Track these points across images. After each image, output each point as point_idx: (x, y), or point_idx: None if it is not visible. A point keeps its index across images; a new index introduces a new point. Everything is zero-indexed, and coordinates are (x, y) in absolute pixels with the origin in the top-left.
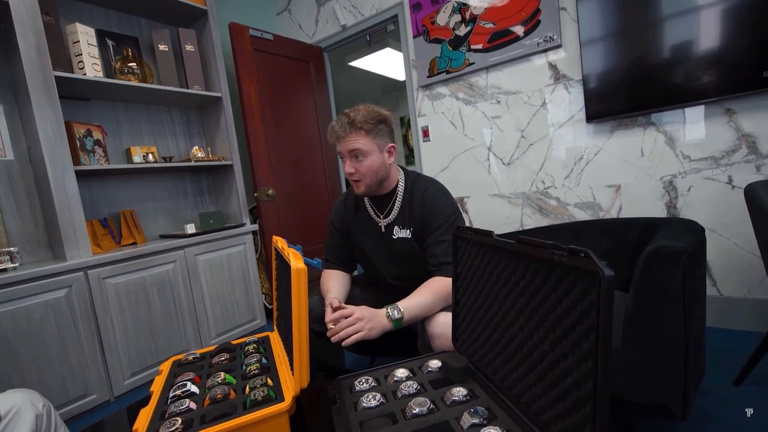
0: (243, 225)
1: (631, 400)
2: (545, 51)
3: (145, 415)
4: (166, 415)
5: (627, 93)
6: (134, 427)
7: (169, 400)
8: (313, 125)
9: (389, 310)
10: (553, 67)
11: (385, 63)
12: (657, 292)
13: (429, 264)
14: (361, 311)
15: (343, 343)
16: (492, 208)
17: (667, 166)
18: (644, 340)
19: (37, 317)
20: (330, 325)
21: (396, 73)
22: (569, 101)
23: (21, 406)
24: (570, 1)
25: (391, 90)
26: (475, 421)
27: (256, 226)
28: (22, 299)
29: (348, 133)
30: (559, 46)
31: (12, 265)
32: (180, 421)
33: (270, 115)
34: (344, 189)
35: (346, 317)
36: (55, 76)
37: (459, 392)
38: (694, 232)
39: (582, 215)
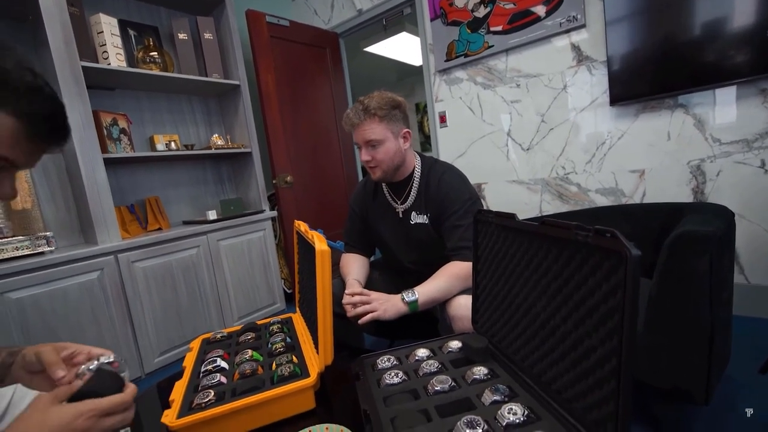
0: (262, 211)
1: (653, 384)
2: (568, 31)
3: (180, 387)
4: (199, 388)
5: (654, 74)
6: (171, 398)
7: (201, 374)
8: (329, 112)
9: (405, 295)
10: (575, 48)
11: (401, 48)
12: (682, 277)
13: (446, 249)
14: (378, 294)
15: (359, 321)
16: (510, 195)
17: (696, 149)
18: (668, 324)
19: (73, 298)
20: (347, 306)
21: (412, 58)
22: (592, 84)
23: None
24: None
25: (406, 75)
26: (497, 398)
27: (275, 213)
28: (59, 281)
29: (362, 120)
30: (582, 26)
31: (49, 248)
32: (212, 393)
33: (287, 103)
34: (360, 176)
35: (361, 300)
36: (82, 66)
37: (480, 371)
38: (724, 216)
39: (603, 201)
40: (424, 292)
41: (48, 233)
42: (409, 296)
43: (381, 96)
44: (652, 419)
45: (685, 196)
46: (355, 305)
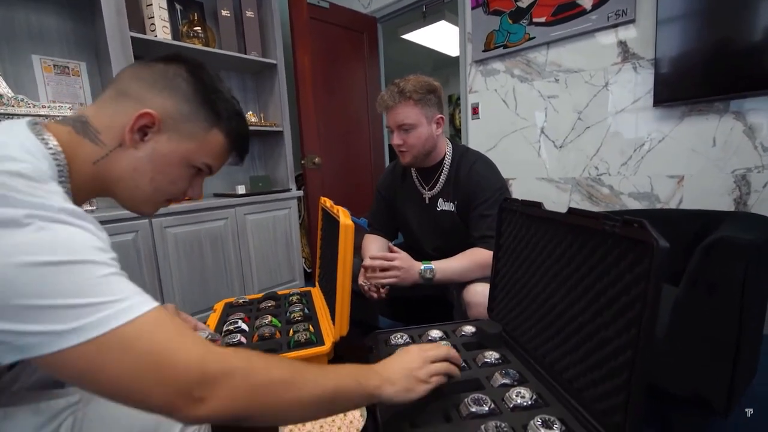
0: (289, 190)
1: (670, 389)
2: (615, 26)
3: None
4: (221, 345)
5: (705, 76)
6: None
7: (223, 334)
8: (362, 97)
9: (423, 268)
10: (622, 44)
11: (439, 37)
12: (714, 282)
13: (472, 237)
14: (402, 260)
15: (380, 283)
16: (538, 192)
17: (743, 158)
18: (693, 330)
19: None
20: (368, 270)
21: (449, 48)
22: (636, 83)
23: None
24: None
25: (442, 66)
26: (506, 381)
27: (301, 192)
28: None
29: (397, 102)
30: (631, 22)
31: (90, 208)
32: None
33: (321, 84)
34: (387, 161)
35: (389, 260)
36: (131, 37)
37: (491, 355)
38: (766, 227)
39: (636, 206)
40: (442, 269)
41: None
42: (426, 272)
43: (417, 79)
44: (667, 425)
45: (726, 206)
46: (374, 273)
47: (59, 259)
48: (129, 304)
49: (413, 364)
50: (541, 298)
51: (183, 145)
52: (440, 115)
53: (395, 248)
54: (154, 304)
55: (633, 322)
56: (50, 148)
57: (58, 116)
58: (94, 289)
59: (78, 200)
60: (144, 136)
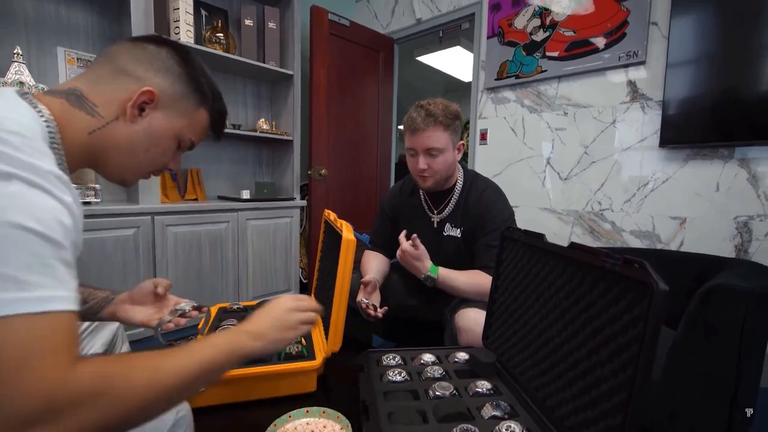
0: (293, 199)
1: None
2: (626, 66)
3: None
4: None
5: (712, 121)
6: None
7: None
8: (372, 114)
9: (425, 275)
10: (631, 84)
11: (453, 61)
12: (712, 328)
13: (475, 266)
14: (422, 254)
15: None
16: (540, 222)
17: (745, 205)
18: (690, 374)
19: (108, 249)
20: (362, 297)
21: (461, 73)
22: (643, 122)
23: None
24: (663, 16)
25: (452, 89)
26: (497, 413)
27: (304, 203)
28: (99, 231)
29: (428, 126)
30: (642, 63)
31: (95, 200)
32: None
33: (334, 98)
34: (393, 179)
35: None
36: None
37: (483, 385)
38: (766, 276)
39: (637, 244)
40: (445, 277)
41: (97, 185)
42: (431, 273)
43: (444, 104)
44: None
45: (726, 252)
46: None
47: (24, 225)
48: (43, 294)
49: (281, 314)
50: (538, 329)
51: (176, 122)
52: (462, 142)
53: (419, 242)
54: (69, 307)
55: (629, 362)
56: (42, 116)
57: None
58: (35, 269)
59: (69, 168)
60: (142, 112)
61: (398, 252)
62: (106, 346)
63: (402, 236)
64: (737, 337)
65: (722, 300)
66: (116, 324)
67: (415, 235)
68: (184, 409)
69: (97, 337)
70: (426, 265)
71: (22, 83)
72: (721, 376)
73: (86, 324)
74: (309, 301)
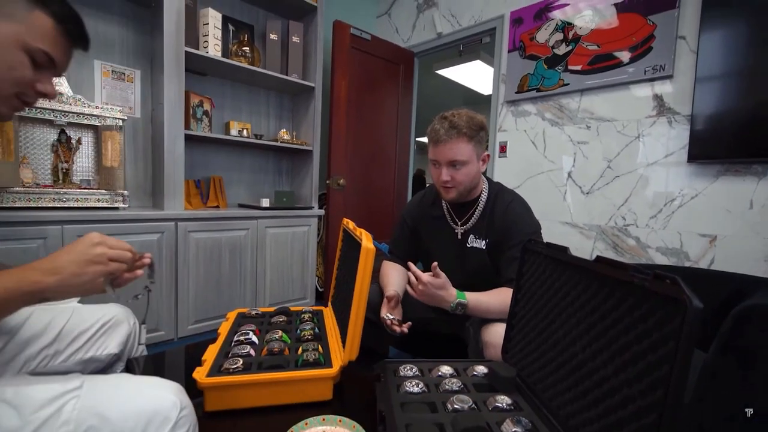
0: (311, 208)
1: None
2: (652, 80)
3: (212, 350)
4: (230, 355)
5: (744, 136)
6: (203, 358)
7: (233, 344)
8: (391, 126)
9: (455, 303)
10: (658, 98)
11: (473, 75)
12: (745, 353)
13: (501, 278)
14: (446, 283)
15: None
16: (561, 236)
17: None
18: (722, 399)
19: None
20: (386, 313)
21: (481, 86)
22: (669, 137)
23: (118, 318)
24: (691, 30)
25: (471, 102)
26: (518, 429)
27: (322, 212)
28: (126, 235)
29: (452, 138)
30: (669, 77)
31: (123, 205)
32: (241, 362)
33: (354, 110)
34: (411, 192)
35: (436, 278)
36: (186, 51)
37: (503, 400)
38: None
39: (664, 261)
40: (476, 301)
41: (125, 192)
42: (458, 309)
43: (469, 115)
44: None
45: (761, 272)
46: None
47: None
48: None
49: (83, 248)
50: (561, 345)
51: (7, 27)
52: (487, 153)
53: (439, 270)
54: None
55: (659, 382)
56: None
57: (109, 117)
58: None
59: None
60: None
61: (413, 287)
62: (122, 346)
63: (414, 268)
64: None
65: (759, 322)
66: (131, 323)
67: (435, 264)
68: (184, 410)
69: (112, 337)
70: (452, 293)
71: (61, 94)
72: (758, 402)
73: (100, 324)
74: (121, 242)
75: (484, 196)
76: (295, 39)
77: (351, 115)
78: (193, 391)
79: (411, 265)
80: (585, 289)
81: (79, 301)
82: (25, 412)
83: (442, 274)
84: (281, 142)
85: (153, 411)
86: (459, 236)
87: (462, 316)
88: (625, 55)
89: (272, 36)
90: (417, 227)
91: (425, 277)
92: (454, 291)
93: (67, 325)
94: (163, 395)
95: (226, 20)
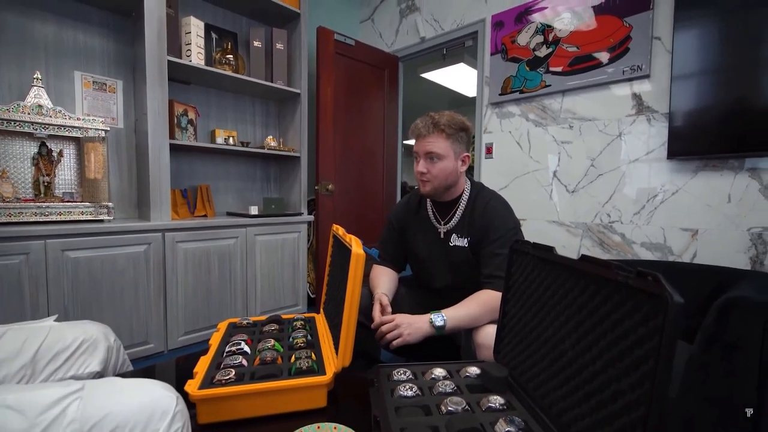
0: (301, 214)
1: None
2: (630, 80)
3: (204, 362)
4: (221, 366)
5: (720, 132)
6: (195, 370)
7: (225, 354)
8: (378, 130)
9: (433, 317)
10: (636, 97)
11: (457, 78)
12: (730, 344)
13: (481, 275)
14: (401, 318)
15: (391, 345)
16: (548, 235)
17: (759, 216)
18: (707, 390)
19: (120, 265)
20: (379, 328)
21: (465, 88)
22: (650, 134)
23: (97, 337)
24: (665, 31)
25: (457, 105)
26: (511, 429)
27: (312, 217)
28: (112, 248)
29: (430, 133)
30: (646, 77)
31: (108, 217)
32: (233, 373)
33: (341, 115)
34: (399, 195)
35: (386, 323)
36: (168, 60)
37: (496, 400)
38: None
39: (648, 256)
40: (453, 317)
41: (109, 204)
42: (437, 321)
43: (451, 115)
44: None
45: (741, 264)
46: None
47: None
48: None
49: None
50: (550, 343)
51: None
52: (466, 154)
53: (388, 317)
54: None
55: (646, 376)
56: None
57: (91, 128)
58: None
59: None
60: None
61: (382, 332)
62: (103, 363)
63: (376, 311)
64: (757, 354)
65: (741, 314)
66: (110, 340)
67: (386, 303)
68: (179, 405)
69: (93, 355)
70: (424, 320)
71: (40, 106)
72: (742, 394)
73: (78, 342)
74: None
75: (465, 196)
76: (279, 46)
77: (338, 120)
78: (186, 404)
79: (375, 308)
80: (572, 287)
81: (55, 320)
82: (31, 415)
83: (389, 314)
84: (268, 149)
85: (153, 405)
86: (442, 235)
87: None
88: (604, 56)
89: (256, 43)
90: (403, 228)
91: (377, 319)
92: (424, 318)
93: (43, 344)
94: (161, 391)
95: (208, 28)
